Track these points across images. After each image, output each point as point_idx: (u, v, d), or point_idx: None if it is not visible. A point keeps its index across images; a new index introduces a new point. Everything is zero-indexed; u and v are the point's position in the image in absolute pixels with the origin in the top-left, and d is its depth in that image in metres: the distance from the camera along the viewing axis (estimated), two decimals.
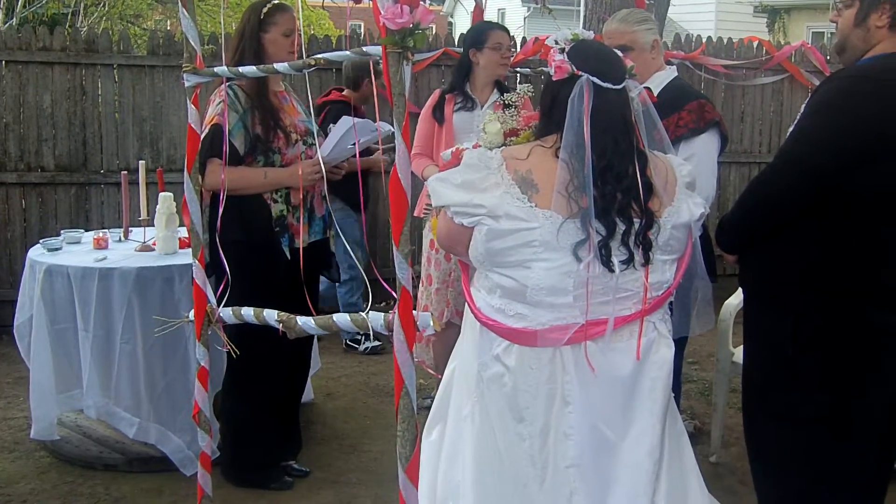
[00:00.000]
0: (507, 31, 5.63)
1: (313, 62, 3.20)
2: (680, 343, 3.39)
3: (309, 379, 5.52)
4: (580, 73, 2.90)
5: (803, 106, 3.34)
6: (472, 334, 3.10)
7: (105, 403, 4.77)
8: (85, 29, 12.16)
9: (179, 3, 3.56)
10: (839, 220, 3.13)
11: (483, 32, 5.51)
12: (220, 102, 4.24)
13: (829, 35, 17.79)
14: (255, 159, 4.37)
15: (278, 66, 3.36)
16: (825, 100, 3.19)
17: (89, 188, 7.61)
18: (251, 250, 4.28)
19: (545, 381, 2.91)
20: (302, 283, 4.10)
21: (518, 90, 3.97)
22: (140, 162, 5.67)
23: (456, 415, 3.17)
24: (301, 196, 4.41)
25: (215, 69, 3.60)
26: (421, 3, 2.78)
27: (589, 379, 2.89)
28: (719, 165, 4.23)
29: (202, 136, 4.04)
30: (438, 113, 5.43)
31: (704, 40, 8.94)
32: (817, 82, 8.60)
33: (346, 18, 3.68)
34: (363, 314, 3.03)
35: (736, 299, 4.99)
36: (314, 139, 4.56)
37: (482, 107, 5.42)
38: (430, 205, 3.22)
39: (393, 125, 2.77)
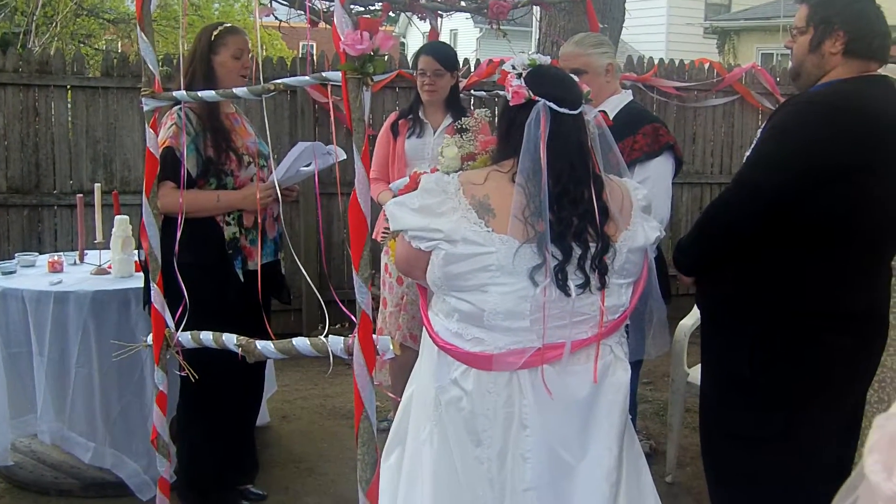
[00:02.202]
0: (439, 54, 5.38)
1: (273, 87, 3.21)
2: (635, 365, 3.43)
3: (265, 402, 5.50)
4: (537, 98, 2.93)
5: (759, 131, 3.40)
6: (430, 358, 3.11)
7: (59, 428, 4.73)
8: (37, 49, 12.05)
9: (138, 27, 3.56)
10: (794, 243, 3.18)
11: (416, 57, 5.48)
12: (171, 125, 4.21)
13: (779, 57, 17.99)
14: (208, 182, 4.33)
15: (238, 90, 3.36)
16: (780, 125, 3.25)
17: (42, 210, 7.54)
18: (204, 273, 4.22)
19: (503, 405, 2.92)
20: (255, 306, 4.09)
21: (476, 115, 3.99)
22: (95, 185, 5.63)
23: (414, 438, 3.18)
24: (255, 219, 4.39)
25: (174, 93, 3.60)
26: (381, 29, 2.81)
27: (546, 402, 2.90)
28: (672, 187, 4.28)
29: None
30: (394, 131, 5.45)
31: (656, 62, 9.03)
32: (768, 104, 8.78)
33: (307, 40, 3.69)
34: (322, 338, 3.04)
35: (690, 320, 5.03)
36: (266, 161, 4.55)
37: (434, 132, 5.40)
38: (389, 229, 3.23)
39: (353, 149, 2.78)
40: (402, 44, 28.29)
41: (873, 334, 3.38)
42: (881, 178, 3.16)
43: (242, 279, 4.35)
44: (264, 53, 13.20)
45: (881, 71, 3.38)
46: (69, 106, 7.58)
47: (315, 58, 8.39)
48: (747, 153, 3.39)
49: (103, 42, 20.50)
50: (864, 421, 4.16)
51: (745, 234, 3.25)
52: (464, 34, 27.89)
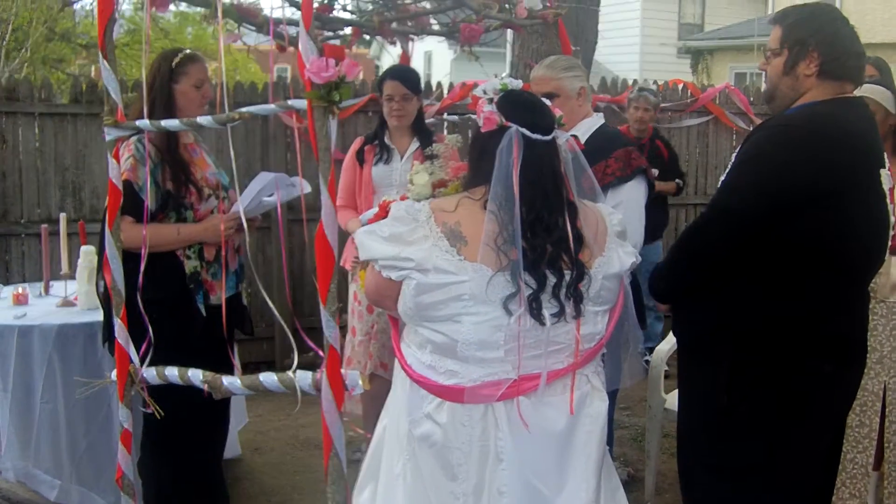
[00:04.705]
0: (405, 78, 5.26)
1: (237, 116, 3.13)
2: (612, 393, 3.36)
3: (236, 433, 5.41)
4: (509, 124, 2.87)
5: (734, 155, 3.35)
6: (403, 391, 3.04)
7: (24, 465, 4.64)
8: (6, 75, 11.94)
9: (100, 55, 3.48)
10: (771, 268, 3.13)
11: (382, 81, 5.33)
12: (128, 157, 4.07)
13: (753, 76, 18.08)
14: (167, 216, 4.20)
15: (202, 119, 3.28)
16: (754, 149, 3.20)
17: (10, 239, 7.41)
18: (166, 309, 4.05)
19: (478, 439, 2.86)
20: (220, 340, 4.01)
21: (446, 141, 3.93)
22: (61, 214, 5.54)
23: (387, 474, 3.10)
24: (221, 252, 4.28)
25: (137, 123, 3.51)
26: (346, 53, 2.75)
27: (522, 435, 2.84)
28: (646, 209, 4.23)
29: None
30: (360, 158, 5.36)
31: (630, 83, 9.01)
32: (741, 123, 8.78)
33: (272, 65, 3.63)
34: (290, 373, 2.97)
35: (667, 345, 4.99)
36: (226, 192, 4.45)
37: (402, 157, 5.28)
38: (358, 257, 3.16)
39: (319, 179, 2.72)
40: (377, 67, 28.29)
41: (853, 358, 3.34)
42: (857, 202, 3.12)
43: (205, 314, 4.25)
44: (237, 78, 13.16)
45: (857, 92, 3.34)
46: (37, 133, 7.46)
47: (289, 82, 8.32)
48: (722, 177, 3.34)
49: (76, 66, 20.41)
50: (845, 445, 4.12)
51: (720, 262, 3.19)
52: (438, 56, 27.90)
